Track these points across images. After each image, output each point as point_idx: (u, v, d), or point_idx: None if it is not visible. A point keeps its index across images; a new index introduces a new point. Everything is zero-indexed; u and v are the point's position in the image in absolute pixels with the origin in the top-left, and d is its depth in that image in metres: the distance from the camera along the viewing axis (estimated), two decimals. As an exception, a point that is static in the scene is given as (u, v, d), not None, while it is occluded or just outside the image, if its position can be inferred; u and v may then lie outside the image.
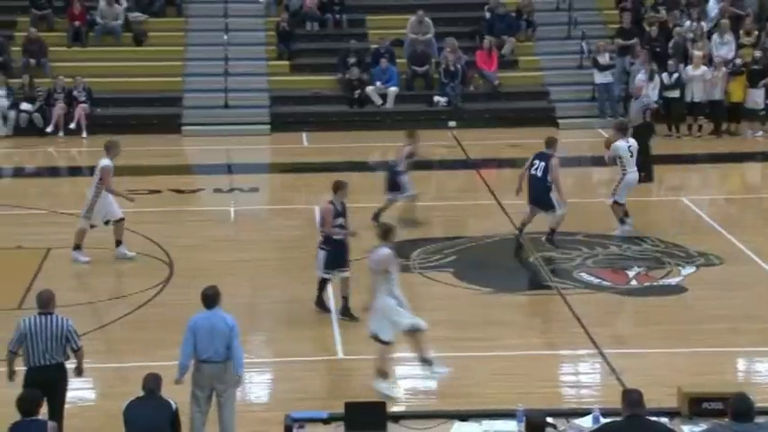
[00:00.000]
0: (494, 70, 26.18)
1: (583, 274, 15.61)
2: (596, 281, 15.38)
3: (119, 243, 16.10)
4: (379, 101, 25.69)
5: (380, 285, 12.02)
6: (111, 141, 16.41)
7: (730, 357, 13.06)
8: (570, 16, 27.36)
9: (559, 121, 25.16)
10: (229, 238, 17.47)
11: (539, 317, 14.51)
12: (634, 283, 15.36)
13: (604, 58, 25.18)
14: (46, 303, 10.43)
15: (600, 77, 25.23)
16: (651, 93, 23.52)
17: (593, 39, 26.41)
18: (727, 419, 8.54)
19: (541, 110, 25.50)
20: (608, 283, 15.34)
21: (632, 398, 8.57)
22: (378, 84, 25.69)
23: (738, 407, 8.44)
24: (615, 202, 16.89)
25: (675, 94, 23.99)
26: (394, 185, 17.52)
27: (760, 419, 8.71)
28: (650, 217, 18.15)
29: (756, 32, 25.52)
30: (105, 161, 15.97)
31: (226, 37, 26.57)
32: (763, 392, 11.29)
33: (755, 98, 23.95)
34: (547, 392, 12.00)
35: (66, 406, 10.42)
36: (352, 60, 25.95)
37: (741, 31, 25.49)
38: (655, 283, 15.30)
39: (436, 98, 25.67)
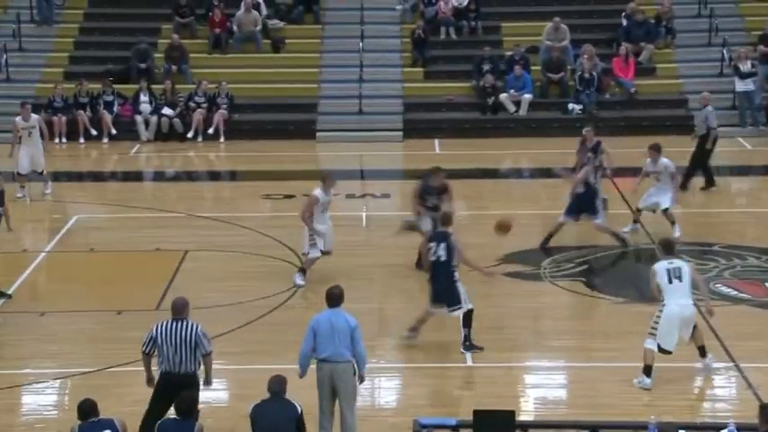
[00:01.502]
0: (630, 78, 25.82)
1: (719, 285, 15.27)
2: (733, 293, 15.02)
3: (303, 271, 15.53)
4: (512, 108, 25.58)
5: None
6: (327, 172, 16.07)
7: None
8: (711, 23, 26.80)
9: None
10: (360, 244, 17.61)
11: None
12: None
13: (746, 66, 24.58)
14: (179, 310, 10.59)
15: (741, 85, 24.64)
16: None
17: (734, 46, 25.83)
18: None
19: (679, 118, 25.01)
20: (745, 295, 14.98)
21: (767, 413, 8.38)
22: (511, 91, 25.58)
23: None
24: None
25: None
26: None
27: None
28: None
29: None
30: (317, 191, 15.27)
31: (361, 44, 26.80)
32: None
33: None
34: (679, 405, 11.81)
35: (201, 406, 10.65)
36: (486, 67, 25.90)
37: None
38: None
39: (571, 105, 25.44)
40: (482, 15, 27.72)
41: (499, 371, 12.52)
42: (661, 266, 12.16)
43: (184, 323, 10.49)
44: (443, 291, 12.91)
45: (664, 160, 17.03)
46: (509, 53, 26.29)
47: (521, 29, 27.33)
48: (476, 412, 9.49)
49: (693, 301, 12.19)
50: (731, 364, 12.74)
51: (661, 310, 12.08)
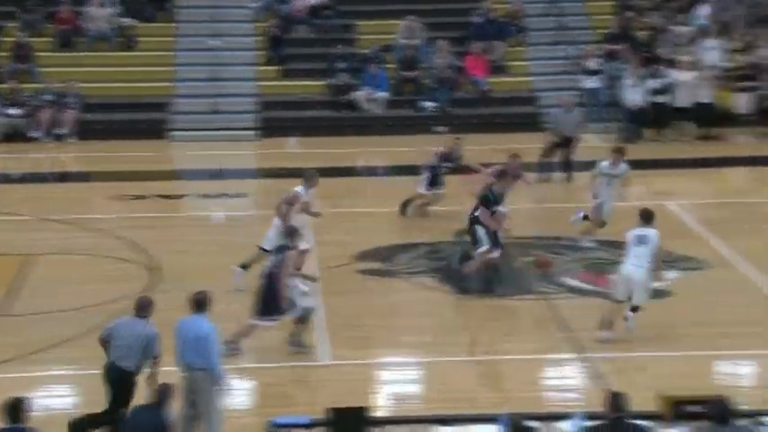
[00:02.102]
0: (483, 75, 26.21)
1: (569, 278, 15.62)
2: (582, 285, 15.37)
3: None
4: (367, 106, 25.70)
5: None
6: (310, 171, 15.53)
7: (713, 361, 13.07)
8: (560, 21, 27.41)
9: (548, 126, 25.16)
10: (215, 243, 17.44)
11: (524, 321, 14.50)
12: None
13: (592, 64, 25.22)
14: (140, 308, 10.66)
15: (587, 83, 25.26)
16: (637, 97, 23.66)
17: (582, 44, 26.47)
18: (707, 422, 8.58)
19: (529, 115, 25.52)
20: (593, 288, 15.34)
21: (616, 401, 8.61)
22: (367, 89, 25.70)
23: (718, 410, 8.47)
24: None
25: (663, 98, 24.03)
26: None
27: (740, 422, 8.75)
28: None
29: (744, 38, 25.56)
30: (299, 188, 15.04)
31: (215, 42, 26.56)
32: (744, 396, 11.29)
33: (743, 103, 23.99)
34: (532, 396, 12.02)
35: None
36: (341, 65, 25.96)
37: (729, 37, 25.54)
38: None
39: (424, 103, 25.69)
40: (337, 13, 27.77)
41: (354, 368, 12.55)
42: (634, 232, 13.42)
43: (142, 321, 10.52)
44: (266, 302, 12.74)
45: (623, 165, 16.90)
46: (364, 51, 26.40)
47: (375, 27, 27.47)
48: (329, 410, 9.49)
49: (645, 269, 13.05)
50: (581, 355, 13.04)
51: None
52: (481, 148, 22.48)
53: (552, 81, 26.27)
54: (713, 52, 24.87)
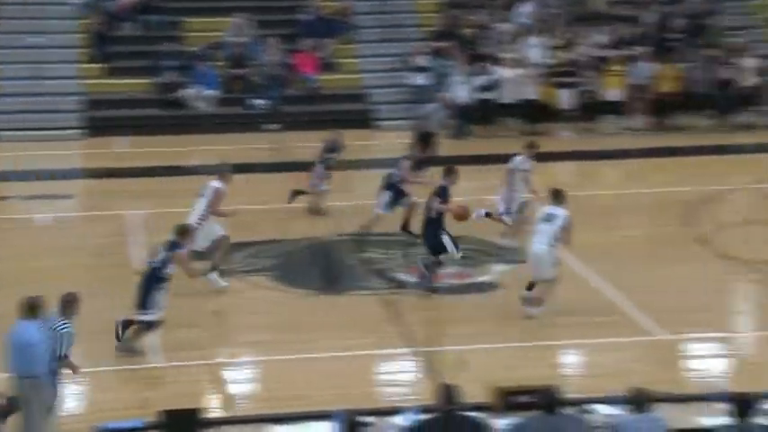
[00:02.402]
0: (313, 73, 26.23)
1: (401, 273, 15.78)
2: (414, 280, 15.55)
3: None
4: (197, 104, 25.41)
5: None
6: (225, 166, 15.58)
7: (542, 351, 13.41)
8: (388, 19, 27.65)
9: (379, 123, 25.39)
10: (41, 246, 16.96)
11: (359, 317, 14.57)
12: (450, 281, 15.61)
13: (420, 61, 25.54)
14: (64, 305, 10.57)
15: (416, 79, 25.57)
16: (464, 94, 24.08)
17: (411, 41, 26.77)
18: (536, 412, 8.78)
19: (359, 112, 25.67)
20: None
21: (446, 393, 8.72)
22: (196, 87, 25.40)
23: (545, 400, 8.69)
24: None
25: (489, 95, 24.52)
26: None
27: (567, 411, 8.99)
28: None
29: (564, 35, 26.28)
30: (219, 184, 15.03)
31: (37, 40, 25.83)
32: (572, 384, 11.63)
33: (566, 98, 24.66)
34: (367, 392, 12.10)
35: None
36: (168, 63, 25.59)
37: (550, 34, 26.22)
38: (469, 281, 15.59)
39: (254, 101, 25.56)
40: (164, 10, 27.35)
41: (189, 369, 12.39)
42: (543, 209, 14.16)
43: (58, 319, 10.47)
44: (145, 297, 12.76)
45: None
46: (192, 49, 26.09)
47: (204, 24, 27.16)
48: (161, 412, 9.36)
49: (547, 246, 13.71)
50: (414, 349, 13.19)
51: None
52: (313, 146, 22.53)
53: (382, 78, 26.49)
54: (536, 49, 25.48)
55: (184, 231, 13.28)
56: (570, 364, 13.37)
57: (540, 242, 13.85)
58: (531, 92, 24.42)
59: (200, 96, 25.44)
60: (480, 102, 24.47)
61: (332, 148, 18.70)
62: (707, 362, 13.27)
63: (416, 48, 25.98)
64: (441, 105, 21.84)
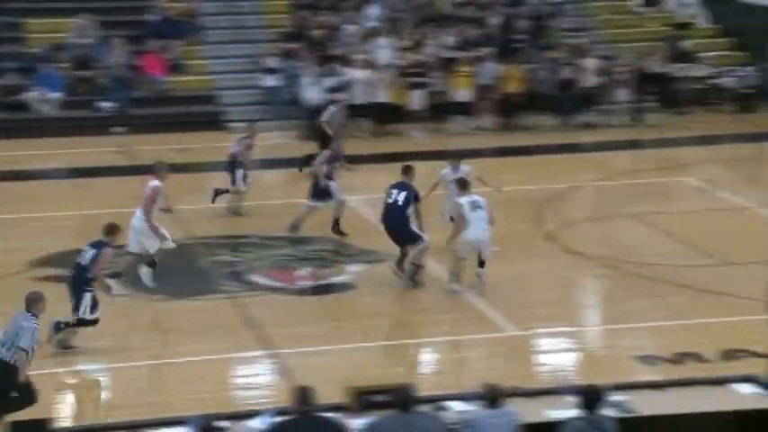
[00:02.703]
0: (161, 74, 25.88)
1: (254, 275, 15.70)
2: (268, 282, 15.50)
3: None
4: (41, 107, 24.79)
5: None
6: (162, 163, 15.39)
7: (397, 350, 13.52)
8: (236, 20, 27.48)
9: (231, 124, 25.22)
10: None
11: (213, 321, 14.43)
12: (304, 282, 15.61)
13: (270, 62, 25.46)
14: (29, 303, 10.89)
15: (267, 81, 25.48)
16: (315, 95, 24.12)
17: (260, 42, 26.65)
18: (392, 411, 8.83)
19: (210, 114, 25.45)
20: (280, 284, 15.51)
21: (301, 395, 8.70)
22: (39, 89, 24.78)
23: (400, 398, 8.76)
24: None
25: (339, 96, 24.60)
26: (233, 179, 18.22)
27: (422, 408, 9.07)
28: (321, 217, 18.51)
29: (412, 36, 26.55)
30: (156, 183, 14.86)
31: None
32: (425, 382, 11.78)
33: (416, 99, 24.91)
34: (223, 396, 12.01)
35: None
36: (10, 65, 24.90)
37: (398, 35, 26.46)
38: (324, 282, 15.62)
39: (101, 103, 25.09)
40: (4, 11, 26.58)
41: (39, 378, 12.06)
42: (464, 200, 14.76)
43: (24, 315, 10.75)
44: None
45: (464, 167, 16.72)
46: (35, 50, 25.45)
47: (46, 25, 26.52)
48: (8, 423, 9.11)
49: (487, 228, 14.65)
50: (270, 352, 13.15)
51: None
52: (162, 148, 22.25)
53: (232, 80, 26.32)
54: (385, 51, 25.69)
55: (111, 230, 13.13)
56: (425, 362, 13.51)
57: (483, 228, 14.66)
58: (382, 93, 24.59)
59: (44, 99, 24.82)
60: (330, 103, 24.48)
61: (249, 145, 18.70)
62: (556, 356, 13.59)
63: (266, 49, 25.89)
64: (339, 105, 21.82)
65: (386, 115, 24.88)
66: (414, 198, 15.13)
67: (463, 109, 25.31)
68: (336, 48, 25.93)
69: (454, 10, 27.85)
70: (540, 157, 23.34)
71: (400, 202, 15.12)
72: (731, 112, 26.38)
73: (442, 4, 28.08)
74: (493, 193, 16.50)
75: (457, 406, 9.70)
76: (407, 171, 15.60)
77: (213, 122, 24.97)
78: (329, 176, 17.07)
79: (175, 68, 26.31)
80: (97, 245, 12.96)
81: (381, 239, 17.17)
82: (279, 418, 9.18)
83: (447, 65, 25.36)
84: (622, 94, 25.63)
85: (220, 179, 18.92)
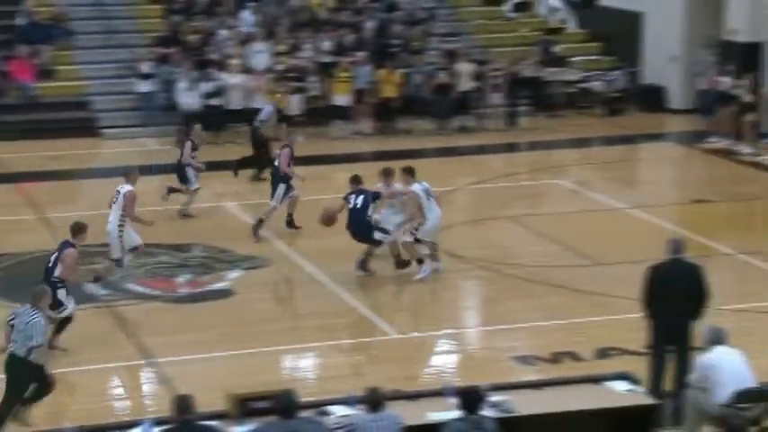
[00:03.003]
0: (31, 80, 25.28)
1: (131, 284, 15.46)
2: (146, 290, 15.28)
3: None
4: None
5: None
6: (132, 167, 15.33)
7: (279, 356, 13.47)
8: (108, 25, 27.03)
9: (104, 131, 24.78)
10: None
11: (88, 331, 14.14)
12: (183, 290, 15.44)
13: (145, 67, 25.10)
14: (34, 298, 11.13)
15: (141, 86, 25.12)
16: (191, 100, 23.88)
17: (133, 47, 26.25)
18: (274, 417, 8.79)
19: (82, 120, 24.96)
20: (157, 292, 15.30)
21: (181, 404, 8.62)
22: None
23: (282, 404, 8.72)
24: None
25: (216, 101, 24.42)
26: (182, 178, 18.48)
27: (304, 414, 9.05)
28: (198, 223, 18.34)
29: (287, 41, 26.48)
30: (130, 187, 14.79)
31: None
32: (308, 387, 11.76)
33: (293, 104, 24.83)
34: (102, 407, 11.84)
35: None
36: None
37: (274, 40, 26.37)
38: (204, 289, 15.47)
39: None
40: None
41: None
42: (419, 188, 15.28)
43: (30, 311, 10.94)
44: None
45: (397, 184, 16.11)
46: None
47: None
48: None
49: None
50: (148, 361, 12.96)
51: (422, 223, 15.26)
52: (33, 155, 21.78)
53: (105, 85, 25.87)
54: (261, 55, 25.56)
55: (78, 229, 13.01)
56: (307, 367, 13.48)
57: (438, 210, 15.33)
58: (258, 98, 24.46)
59: None
60: (207, 108, 24.29)
61: (196, 147, 18.64)
62: (437, 358, 13.71)
63: (140, 54, 25.52)
64: (273, 109, 21.71)
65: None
66: (372, 198, 15.53)
67: (342, 113, 25.33)
68: (212, 53, 25.71)
69: (330, 15, 27.87)
70: (417, 161, 23.36)
71: (359, 206, 15.39)
72: (601, 116, 26.97)
73: (318, 8, 28.07)
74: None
75: (339, 410, 9.70)
76: (355, 181, 15.81)
77: (86, 129, 24.50)
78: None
79: (45, 74, 25.72)
80: (63, 245, 12.91)
81: (262, 245, 17.11)
82: (159, 428, 9.07)
83: (324, 69, 25.36)
84: (497, 98, 25.97)
85: (96, 186, 18.57)
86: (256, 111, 23.57)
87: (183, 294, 15.31)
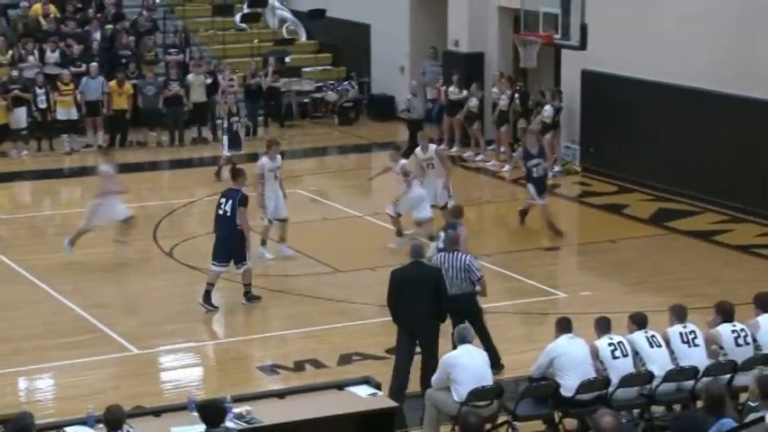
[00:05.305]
0: None
1: None
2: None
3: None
4: None
5: None
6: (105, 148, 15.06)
7: (12, 378, 12.91)
8: None
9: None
10: None
11: None
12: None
13: None
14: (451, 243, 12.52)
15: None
16: None
17: None
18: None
19: None
20: None
21: None
22: None
23: (16, 428, 8.38)
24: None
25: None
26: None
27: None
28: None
29: (12, 51, 25.44)
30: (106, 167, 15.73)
31: None
32: (44, 409, 11.34)
33: (18, 118, 23.90)
34: None
35: None
36: None
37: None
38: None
39: None
40: None
41: None
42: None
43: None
44: None
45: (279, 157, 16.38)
46: None
47: None
48: None
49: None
50: None
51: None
52: None
53: None
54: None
55: None
56: (44, 388, 12.97)
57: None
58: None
59: None
60: None
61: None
62: (180, 372, 13.51)
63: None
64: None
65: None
66: (240, 203, 14.64)
67: (71, 126, 24.50)
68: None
69: (55, 25, 26.91)
70: (152, 174, 23.10)
71: (229, 213, 14.71)
72: (335, 125, 27.35)
73: (42, 18, 27.03)
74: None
75: (78, 431, 9.40)
76: (236, 175, 15.04)
77: None
78: None
79: None
80: None
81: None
82: None
83: (50, 82, 24.49)
84: (231, 109, 25.77)
85: None
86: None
87: None
